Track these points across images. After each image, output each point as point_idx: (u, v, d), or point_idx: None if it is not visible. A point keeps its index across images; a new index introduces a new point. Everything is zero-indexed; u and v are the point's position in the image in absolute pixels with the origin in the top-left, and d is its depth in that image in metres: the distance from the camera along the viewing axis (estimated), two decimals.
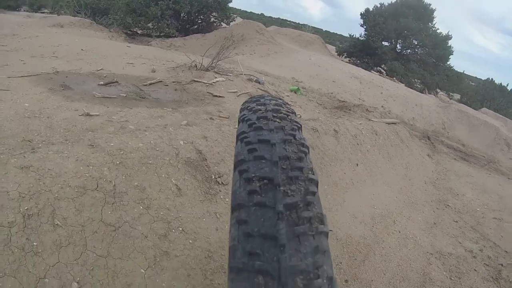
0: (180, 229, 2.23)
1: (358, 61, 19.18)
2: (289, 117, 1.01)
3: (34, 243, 1.74)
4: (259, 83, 5.87)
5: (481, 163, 6.66)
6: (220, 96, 4.51)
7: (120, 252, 1.93)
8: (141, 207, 2.18)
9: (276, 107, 1.06)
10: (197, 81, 4.90)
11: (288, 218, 0.75)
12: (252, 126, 0.96)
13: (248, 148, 0.88)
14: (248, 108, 1.10)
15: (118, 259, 1.90)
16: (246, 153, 0.87)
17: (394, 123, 5.64)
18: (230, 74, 5.61)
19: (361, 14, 20.64)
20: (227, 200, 2.60)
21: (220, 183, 2.67)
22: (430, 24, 18.99)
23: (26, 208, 1.81)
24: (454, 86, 18.54)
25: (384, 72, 17.81)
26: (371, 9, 20.45)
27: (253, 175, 0.81)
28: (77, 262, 1.79)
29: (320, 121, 4.28)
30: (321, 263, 0.73)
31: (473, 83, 23.41)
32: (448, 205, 4.33)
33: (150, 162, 2.45)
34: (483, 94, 17.87)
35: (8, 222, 1.74)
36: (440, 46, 18.25)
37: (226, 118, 3.57)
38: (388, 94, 9.58)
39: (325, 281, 0.71)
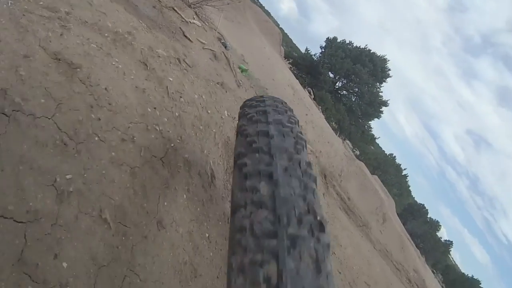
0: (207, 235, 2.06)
1: (297, 73, 20.10)
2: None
3: None
4: (225, 47, 5.93)
5: (358, 222, 7.31)
6: (189, 40, 4.48)
7: None
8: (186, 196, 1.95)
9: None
10: (176, 11, 4.75)
11: (275, 128, 1.22)
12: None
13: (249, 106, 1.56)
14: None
15: None
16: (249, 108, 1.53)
17: (310, 151, 6.29)
18: (206, 23, 5.55)
19: (327, 38, 21.68)
20: None
21: None
22: (378, 84, 20.86)
23: None
24: (362, 144, 20.78)
25: (313, 96, 19.04)
26: (339, 39, 21.65)
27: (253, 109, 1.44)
28: None
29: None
30: (300, 149, 1.16)
31: (373, 148, 26.55)
32: (334, 253, 4.46)
33: (201, 128, 2.25)
34: (380, 163, 20.11)
35: None
36: (374, 107, 20.19)
37: (190, 66, 3.64)
38: (311, 119, 9.95)
39: (304, 163, 1.11)
